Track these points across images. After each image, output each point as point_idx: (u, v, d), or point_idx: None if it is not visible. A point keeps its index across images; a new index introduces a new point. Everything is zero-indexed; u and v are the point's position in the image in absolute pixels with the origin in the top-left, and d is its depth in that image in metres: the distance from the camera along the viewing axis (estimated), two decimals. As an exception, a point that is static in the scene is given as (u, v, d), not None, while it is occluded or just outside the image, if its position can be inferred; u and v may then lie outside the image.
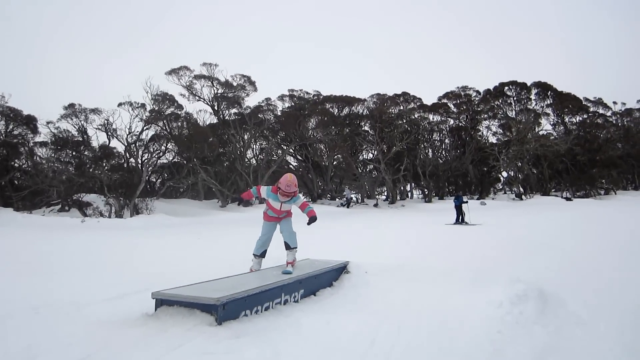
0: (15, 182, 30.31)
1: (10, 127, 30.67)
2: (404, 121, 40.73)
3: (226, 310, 4.45)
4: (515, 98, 44.54)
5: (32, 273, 7.33)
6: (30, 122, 31.21)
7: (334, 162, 41.52)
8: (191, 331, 4.14)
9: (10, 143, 29.80)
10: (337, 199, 39.58)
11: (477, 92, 44.95)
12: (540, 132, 43.96)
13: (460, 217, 18.71)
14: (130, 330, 4.20)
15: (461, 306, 5.31)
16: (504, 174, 45.65)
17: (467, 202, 19.50)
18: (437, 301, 5.55)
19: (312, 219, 6.47)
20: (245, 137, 35.61)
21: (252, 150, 38.55)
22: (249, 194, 6.72)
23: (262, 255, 6.59)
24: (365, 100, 41.61)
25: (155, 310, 4.69)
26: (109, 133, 33.23)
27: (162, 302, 4.68)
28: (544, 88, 44.25)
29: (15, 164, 30.90)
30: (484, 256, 9.16)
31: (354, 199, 38.68)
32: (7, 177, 28.65)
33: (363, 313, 5.07)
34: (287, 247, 6.46)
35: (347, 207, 34.14)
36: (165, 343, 3.89)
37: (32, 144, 31.47)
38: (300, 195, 6.61)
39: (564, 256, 8.99)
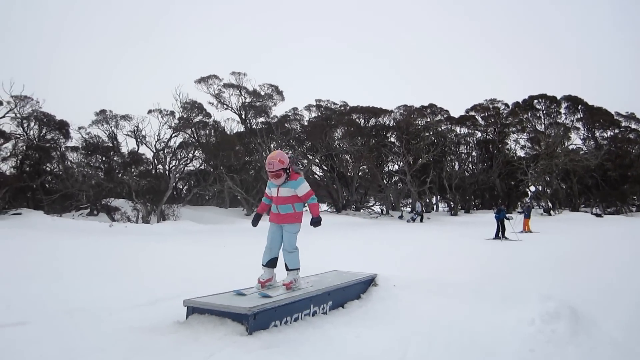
0: (47, 185, 31.00)
1: (44, 131, 31.40)
2: (431, 133, 40.47)
3: (257, 321, 4.47)
4: (544, 111, 43.87)
5: (65, 277, 7.48)
6: (62, 127, 31.90)
7: (360, 173, 41.39)
8: (222, 340, 4.17)
9: (43, 147, 30.50)
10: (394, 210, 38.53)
11: (506, 105, 44.39)
12: (570, 147, 43.23)
13: (501, 232, 17.87)
14: (163, 337, 4.25)
15: (492, 323, 5.23)
16: (532, 188, 44.96)
17: (510, 218, 18.48)
18: (467, 317, 5.47)
19: (316, 222, 5.69)
20: (272, 146, 35.82)
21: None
22: (262, 206, 6.09)
23: (270, 264, 5.67)
24: (392, 111, 41.42)
25: (187, 317, 4.74)
26: (138, 139, 33.84)
27: (194, 310, 4.73)
28: (574, 102, 43.50)
29: (47, 168, 31.64)
30: (514, 272, 9.05)
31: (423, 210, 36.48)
32: (38, 180, 29.30)
33: (392, 327, 5.03)
34: (286, 267, 5.65)
35: (421, 220, 32.50)
36: (197, 351, 3.92)
37: (63, 149, 32.19)
38: (305, 180, 5.73)
39: (594, 274, 8.80)
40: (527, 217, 21.65)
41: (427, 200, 41.10)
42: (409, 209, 41.90)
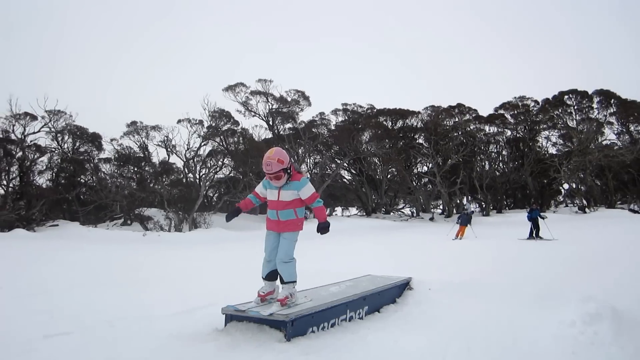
0: (81, 197, 31.76)
1: (77, 144, 32.24)
2: (460, 133, 40.11)
3: (295, 327, 4.49)
4: (576, 107, 42.88)
5: (103, 287, 7.63)
6: (95, 140, 32.74)
7: (388, 176, 41.26)
8: (261, 347, 4.21)
9: (77, 160, 31.31)
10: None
11: (536, 101, 43.63)
12: (604, 142, 42.21)
13: (535, 232, 17.66)
14: (203, 345, 4.30)
15: (531, 325, 5.15)
16: (566, 186, 44.03)
17: (544, 217, 18.29)
18: (506, 319, 5.39)
19: (324, 228, 5.01)
20: (300, 151, 35.98)
21: (307, 165, 38.89)
22: (247, 202, 5.33)
23: (269, 277, 5.09)
24: (419, 112, 41.26)
25: (225, 325, 4.79)
26: (169, 149, 34.51)
27: (232, 317, 4.78)
28: (606, 96, 42.42)
29: (82, 180, 32.43)
30: (551, 272, 8.88)
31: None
32: (74, 192, 30.03)
33: (430, 331, 4.99)
34: (281, 280, 5.00)
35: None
36: (238, 358, 3.96)
37: (97, 161, 32.99)
38: (309, 181, 5.04)
39: (635, 273, 8.57)
40: (464, 224, 20.75)
41: (459, 201, 40.63)
42: (439, 211, 41.53)
